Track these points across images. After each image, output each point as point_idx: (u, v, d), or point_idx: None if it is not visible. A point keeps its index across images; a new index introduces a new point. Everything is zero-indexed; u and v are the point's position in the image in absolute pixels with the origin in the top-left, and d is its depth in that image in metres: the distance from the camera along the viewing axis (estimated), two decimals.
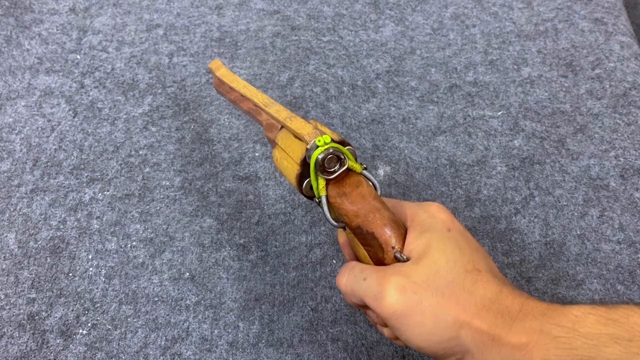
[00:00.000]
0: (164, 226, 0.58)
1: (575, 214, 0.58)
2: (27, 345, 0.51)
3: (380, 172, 0.62)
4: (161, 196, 0.60)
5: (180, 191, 0.61)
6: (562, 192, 0.60)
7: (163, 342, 0.51)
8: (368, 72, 0.71)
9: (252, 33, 0.75)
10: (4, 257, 0.56)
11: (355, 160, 0.39)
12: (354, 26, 0.76)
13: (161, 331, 0.52)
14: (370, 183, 0.39)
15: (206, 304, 0.53)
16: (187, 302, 0.54)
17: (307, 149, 0.37)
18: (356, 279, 0.36)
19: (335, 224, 0.39)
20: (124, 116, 0.67)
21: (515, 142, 0.64)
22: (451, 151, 0.63)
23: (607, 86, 0.68)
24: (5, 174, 0.62)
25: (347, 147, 0.38)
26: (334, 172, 0.37)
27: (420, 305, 0.33)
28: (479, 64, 0.71)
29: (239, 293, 0.54)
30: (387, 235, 0.37)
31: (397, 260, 0.36)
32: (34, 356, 0.51)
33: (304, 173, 0.38)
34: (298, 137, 0.39)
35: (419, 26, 0.75)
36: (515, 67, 0.71)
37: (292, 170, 0.39)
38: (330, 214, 0.38)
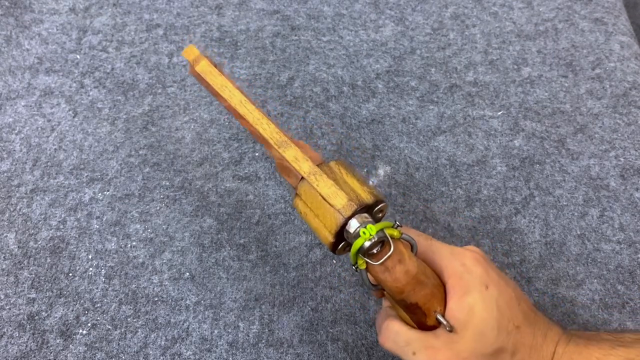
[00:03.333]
0: (164, 226, 0.58)
1: (576, 214, 0.58)
2: (27, 345, 0.51)
3: (380, 172, 0.62)
4: (161, 196, 0.60)
5: (180, 191, 0.61)
6: (562, 192, 0.60)
7: (163, 342, 0.51)
8: (368, 72, 0.71)
9: (252, 33, 0.75)
10: (4, 257, 0.56)
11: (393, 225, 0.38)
12: (354, 26, 0.76)
13: (161, 331, 0.52)
14: (408, 244, 0.38)
15: (206, 304, 0.53)
16: (187, 302, 0.54)
17: (344, 231, 0.36)
18: (404, 352, 0.37)
19: (375, 289, 0.38)
20: (124, 116, 0.67)
21: (515, 142, 0.64)
22: (451, 151, 0.63)
23: (607, 86, 0.68)
24: (5, 174, 0.62)
25: (380, 205, 0.37)
26: (376, 254, 0.36)
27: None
28: (479, 64, 0.71)
29: (239, 293, 0.54)
30: (430, 303, 0.37)
31: (438, 322, 0.36)
32: (34, 356, 0.51)
33: (337, 240, 0.37)
34: (328, 202, 0.37)
35: (419, 26, 0.75)
36: (515, 67, 0.71)
37: (323, 235, 0.37)
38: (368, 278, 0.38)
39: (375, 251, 0.36)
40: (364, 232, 0.35)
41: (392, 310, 0.41)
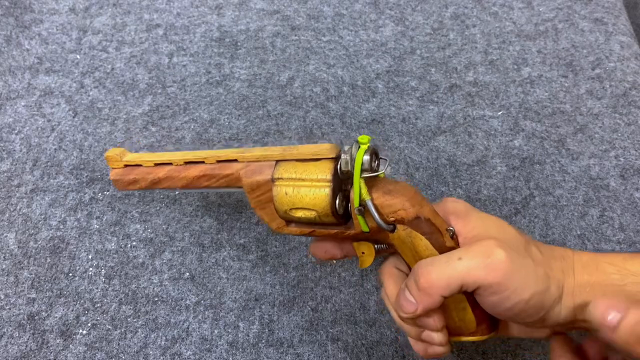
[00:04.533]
0: (164, 226, 0.58)
1: (576, 214, 0.58)
2: (27, 345, 0.51)
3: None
4: (161, 196, 0.60)
5: (180, 191, 0.61)
6: (562, 192, 0.60)
7: (163, 342, 0.51)
8: (368, 72, 0.71)
9: (252, 33, 0.75)
10: (4, 257, 0.56)
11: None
12: (354, 26, 0.76)
13: (161, 331, 0.52)
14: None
15: (206, 304, 0.53)
16: (187, 302, 0.54)
17: (340, 158, 0.36)
18: (449, 264, 0.34)
19: (387, 226, 0.37)
20: (124, 116, 0.67)
21: (515, 142, 0.64)
22: (451, 151, 0.63)
23: (607, 86, 0.68)
24: (5, 174, 0.62)
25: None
26: (378, 168, 0.36)
27: (520, 259, 0.34)
28: (479, 64, 0.71)
29: (239, 293, 0.54)
30: (438, 219, 0.37)
31: (452, 239, 0.37)
32: (34, 356, 0.51)
33: (334, 189, 0.37)
34: (313, 158, 0.37)
35: (419, 26, 0.75)
36: (515, 67, 0.71)
37: (319, 192, 0.37)
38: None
39: (371, 173, 0.36)
40: (362, 138, 0.35)
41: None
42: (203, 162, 0.42)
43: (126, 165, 0.45)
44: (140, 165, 0.44)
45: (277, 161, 0.39)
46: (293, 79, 0.70)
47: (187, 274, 0.55)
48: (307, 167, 0.37)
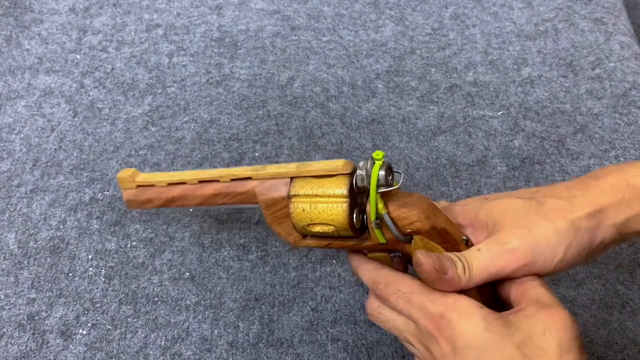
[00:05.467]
0: (164, 226, 0.58)
1: None
2: (27, 345, 0.51)
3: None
4: None
5: None
6: None
7: (163, 342, 0.51)
8: (368, 72, 0.71)
9: (252, 33, 0.75)
10: (4, 257, 0.56)
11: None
12: (354, 26, 0.76)
13: (161, 331, 0.52)
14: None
15: (206, 304, 0.53)
16: (187, 302, 0.54)
17: (355, 174, 0.37)
18: (471, 256, 0.36)
19: (403, 237, 0.37)
20: (124, 116, 0.67)
21: (515, 142, 0.64)
22: (451, 151, 0.63)
23: (607, 86, 0.68)
24: (5, 174, 0.62)
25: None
26: (391, 184, 0.37)
27: (535, 230, 0.36)
28: (479, 64, 0.71)
29: (239, 293, 0.54)
30: (454, 228, 0.38)
31: (467, 246, 0.38)
32: (34, 356, 0.51)
33: (351, 205, 0.37)
34: (327, 174, 0.38)
35: (419, 26, 0.75)
36: (515, 67, 0.71)
37: (336, 208, 0.37)
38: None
39: (387, 188, 0.36)
40: (377, 154, 0.36)
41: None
42: (217, 180, 0.42)
43: (139, 186, 0.45)
44: (153, 186, 0.44)
45: (292, 178, 0.39)
46: (293, 79, 0.70)
47: (187, 274, 0.55)
48: (323, 183, 0.38)
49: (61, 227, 0.58)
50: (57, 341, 0.51)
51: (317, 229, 0.38)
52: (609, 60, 0.70)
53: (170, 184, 0.44)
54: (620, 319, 0.52)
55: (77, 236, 0.57)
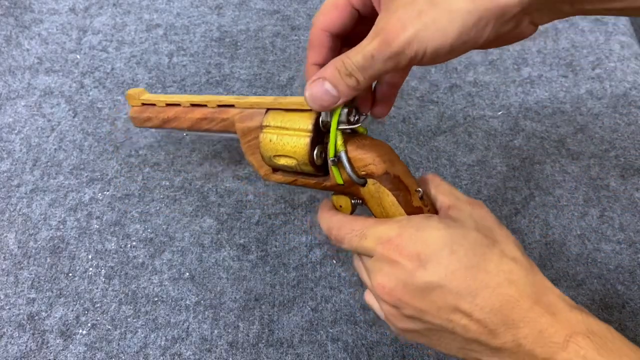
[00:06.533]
0: (164, 226, 0.58)
1: (576, 214, 0.58)
2: (27, 345, 0.51)
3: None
4: (161, 196, 0.60)
5: (180, 191, 0.61)
6: (562, 192, 0.60)
7: (163, 342, 0.51)
8: None
9: (252, 33, 0.75)
10: (4, 257, 0.56)
11: None
12: None
13: (161, 331, 0.52)
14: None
15: (206, 304, 0.53)
16: (187, 302, 0.54)
17: (319, 123, 0.38)
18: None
19: (357, 179, 0.38)
20: (124, 116, 0.67)
21: (515, 142, 0.64)
22: (451, 151, 0.63)
23: (607, 86, 0.68)
24: (5, 174, 0.62)
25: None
26: (356, 122, 0.38)
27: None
28: (479, 64, 0.71)
29: (239, 293, 0.54)
30: (410, 180, 0.38)
31: (421, 200, 0.38)
32: (34, 356, 0.51)
33: (314, 140, 0.38)
34: (299, 109, 0.39)
35: None
36: (515, 67, 0.71)
37: (299, 141, 0.38)
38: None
39: (348, 125, 0.37)
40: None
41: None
42: (206, 105, 0.45)
43: (143, 104, 0.50)
44: (154, 105, 0.49)
45: (268, 109, 0.42)
46: (293, 79, 0.70)
47: (187, 274, 0.55)
48: (292, 117, 0.40)
49: (61, 227, 0.58)
50: (57, 341, 0.51)
51: (282, 161, 0.40)
52: (609, 60, 0.70)
53: (168, 104, 0.48)
54: (620, 319, 0.52)
55: (77, 236, 0.57)
